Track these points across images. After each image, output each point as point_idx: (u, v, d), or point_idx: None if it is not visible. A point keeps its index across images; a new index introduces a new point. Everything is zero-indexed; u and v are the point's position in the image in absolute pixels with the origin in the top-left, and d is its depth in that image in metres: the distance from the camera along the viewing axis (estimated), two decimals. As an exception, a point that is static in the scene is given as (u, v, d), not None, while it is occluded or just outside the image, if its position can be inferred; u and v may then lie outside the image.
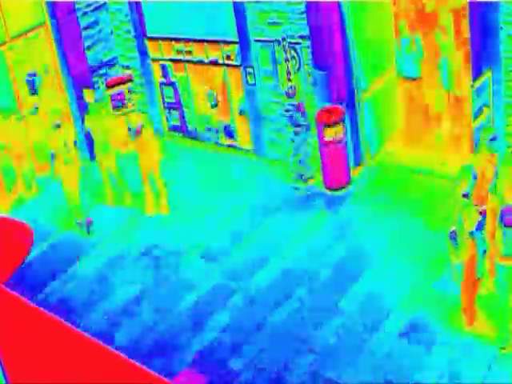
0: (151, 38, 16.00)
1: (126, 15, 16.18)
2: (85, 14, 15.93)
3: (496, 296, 10.46)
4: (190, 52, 15.48)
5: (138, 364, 4.21)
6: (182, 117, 16.22)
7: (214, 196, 14.32)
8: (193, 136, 16.21)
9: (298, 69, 13.68)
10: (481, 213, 10.02)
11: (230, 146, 15.71)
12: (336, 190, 13.72)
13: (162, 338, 11.42)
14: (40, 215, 14.53)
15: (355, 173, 13.98)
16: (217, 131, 15.83)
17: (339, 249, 12.39)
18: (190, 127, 16.24)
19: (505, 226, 9.59)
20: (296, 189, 14.01)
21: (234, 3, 14.25)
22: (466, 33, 12.63)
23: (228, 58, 14.94)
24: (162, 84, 16.24)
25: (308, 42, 13.60)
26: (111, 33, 16.51)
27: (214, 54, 15.13)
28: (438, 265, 11.34)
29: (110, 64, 16.57)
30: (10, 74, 15.22)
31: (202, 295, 12.10)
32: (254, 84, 14.66)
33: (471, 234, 9.91)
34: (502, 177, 10.41)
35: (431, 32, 13.63)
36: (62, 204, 14.33)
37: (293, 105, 13.77)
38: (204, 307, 11.84)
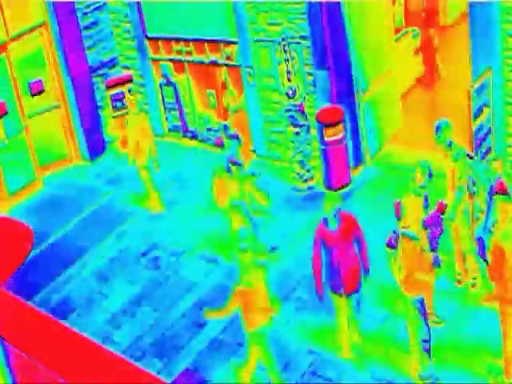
0: (151, 38, 16.00)
1: (126, 15, 16.18)
2: (85, 14, 15.92)
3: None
4: (189, 52, 15.48)
5: (137, 364, 4.22)
6: (182, 117, 16.22)
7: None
8: (193, 136, 16.21)
9: (298, 69, 13.68)
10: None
11: (230, 145, 15.69)
12: (336, 189, 13.71)
13: (162, 338, 11.42)
14: (41, 214, 14.54)
15: (355, 173, 13.98)
16: (217, 131, 15.83)
17: (339, 249, 12.38)
18: (189, 127, 16.24)
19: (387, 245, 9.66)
20: (296, 189, 14.00)
21: (234, 3, 14.26)
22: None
23: (228, 58, 14.94)
24: (161, 84, 16.23)
25: (308, 42, 13.59)
26: (111, 33, 16.51)
27: (214, 54, 15.12)
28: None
29: (110, 64, 16.57)
30: (11, 75, 15.21)
31: (202, 295, 12.10)
32: (254, 84, 14.66)
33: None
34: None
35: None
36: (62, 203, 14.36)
37: (293, 105, 13.76)
38: (204, 307, 11.83)
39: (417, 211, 9.76)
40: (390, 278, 10.25)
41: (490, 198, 9.97)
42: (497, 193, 9.74)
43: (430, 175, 10.31)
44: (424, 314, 9.62)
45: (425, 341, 9.65)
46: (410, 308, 9.61)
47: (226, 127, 15.67)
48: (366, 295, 11.33)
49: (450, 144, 10.60)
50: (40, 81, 15.56)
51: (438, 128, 10.64)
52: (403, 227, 9.62)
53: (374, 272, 11.73)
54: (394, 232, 9.64)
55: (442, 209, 9.98)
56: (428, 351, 9.67)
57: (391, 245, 9.70)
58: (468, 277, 11.06)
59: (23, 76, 15.41)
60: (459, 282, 11.08)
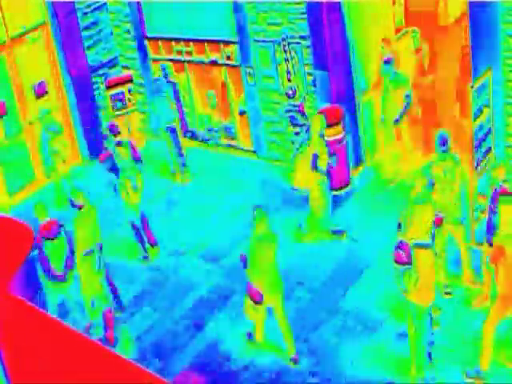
0: (151, 38, 16.00)
1: (126, 15, 16.18)
2: (85, 14, 15.92)
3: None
4: (189, 52, 15.48)
5: (137, 364, 4.22)
6: (182, 117, 16.21)
7: (214, 196, 14.31)
8: (193, 136, 16.20)
9: (298, 69, 13.68)
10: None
11: (230, 145, 15.70)
12: (336, 189, 13.71)
13: (162, 338, 11.42)
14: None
15: (355, 173, 13.98)
16: (217, 131, 15.83)
17: (339, 249, 12.39)
18: (189, 127, 16.24)
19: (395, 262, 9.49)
20: (296, 189, 14.00)
21: (234, 3, 14.26)
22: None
23: (228, 58, 14.94)
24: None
25: (308, 42, 13.60)
26: (111, 33, 16.51)
27: (214, 54, 15.12)
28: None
29: (110, 64, 16.57)
30: (11, 78, 15.19)
31: (202, 295, 12.10)
32: (254, 84, 14.66)
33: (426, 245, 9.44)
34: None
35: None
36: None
37: (293, 105, 13.76)
38: (204, 307, 11.83)
39: (425, 219, 9.55)
40: (388, 280, 10.27)
41: (493, 199, 9.94)
42: (502, 194, 9.70)
43: (432, 184, 10.27)
44: (431, 319, 9.59)
45: (430, 343, 9.61)
46: (420, 316, 9.50)
47: (226, 128, 15.67)
48: (365, 296, 11.37)
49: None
50: (43, 82, 15.53)
51: (444, 139, 10.56)
52: (412, 239, 9.46)
53: (373, 273, 11.76)
54: (400, 247, 9.44)
55: (438, 222, 9.91)
56: (430, 355, 9.65)
57: (404, 261, 9.42)
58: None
59: (23, 76, 15.40)
60: (449, 294, 10.99)
